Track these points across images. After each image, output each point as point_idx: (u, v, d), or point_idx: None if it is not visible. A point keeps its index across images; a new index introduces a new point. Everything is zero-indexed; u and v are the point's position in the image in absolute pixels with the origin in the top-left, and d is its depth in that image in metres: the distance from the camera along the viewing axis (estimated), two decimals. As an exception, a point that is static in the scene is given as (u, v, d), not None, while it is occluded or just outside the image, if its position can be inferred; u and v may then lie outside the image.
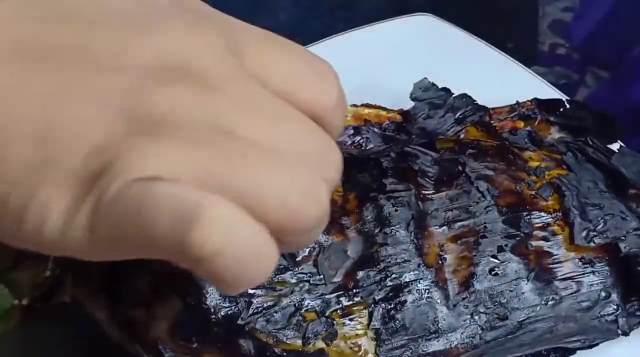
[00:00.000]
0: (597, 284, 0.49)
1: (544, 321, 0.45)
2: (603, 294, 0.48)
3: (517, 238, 0.45)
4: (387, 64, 0.71)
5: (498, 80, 0.70)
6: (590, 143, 0.55)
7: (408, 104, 0.64)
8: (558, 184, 0.48)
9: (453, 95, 0.59)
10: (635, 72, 0.79)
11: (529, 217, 0.46)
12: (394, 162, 0.49)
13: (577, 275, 0.48)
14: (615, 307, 0.48)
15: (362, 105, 0.63)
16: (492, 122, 0.63)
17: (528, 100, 0.63)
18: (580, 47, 0.85)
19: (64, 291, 0.41)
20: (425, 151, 0.51)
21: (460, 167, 0.49)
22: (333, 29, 0.74)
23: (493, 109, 0.65)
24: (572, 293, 0.46)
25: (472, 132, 0.58)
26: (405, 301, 0.44)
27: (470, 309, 0.45)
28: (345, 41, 0.72)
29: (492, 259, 0.44)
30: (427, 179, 0.48)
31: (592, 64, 0.84)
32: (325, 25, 0.78)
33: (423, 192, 0.48)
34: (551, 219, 0.47)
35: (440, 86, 0.62)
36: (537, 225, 0.46)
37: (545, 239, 0.46)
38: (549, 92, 0.68)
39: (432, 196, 0.48)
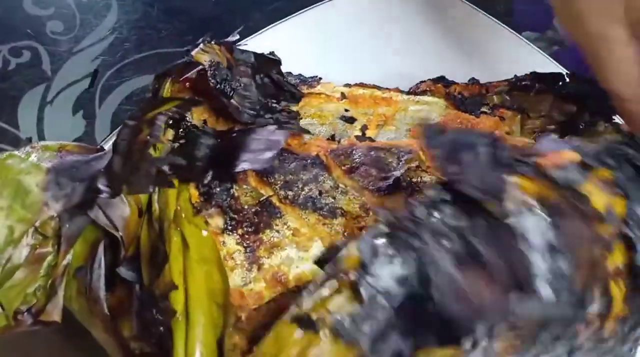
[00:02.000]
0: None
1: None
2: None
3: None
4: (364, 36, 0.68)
5: (491, 48, 0.67)
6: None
7: (399, 81, 0.62)
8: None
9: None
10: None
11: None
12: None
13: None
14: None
15: (356, 85, 0.61)
16: (489, 95, 0.61)
17: (527, 74, 0.61)
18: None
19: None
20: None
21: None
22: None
23: (491, 83, 0.63)
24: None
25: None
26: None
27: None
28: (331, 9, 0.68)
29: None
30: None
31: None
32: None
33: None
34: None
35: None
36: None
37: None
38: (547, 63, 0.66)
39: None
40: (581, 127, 0.61)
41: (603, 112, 0.61)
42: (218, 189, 0.49)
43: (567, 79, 0.61)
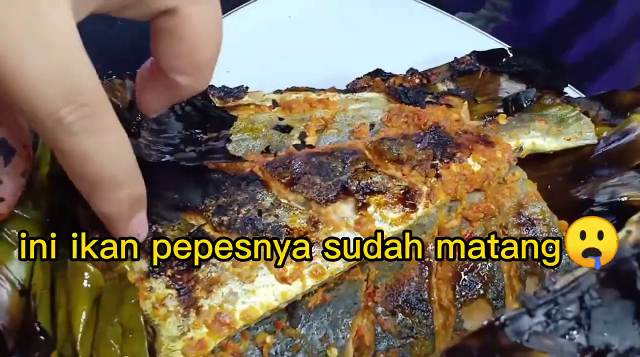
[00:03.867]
0: None
1: None
2: None
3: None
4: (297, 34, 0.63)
5: (427, 34, 0.63)
6: None
7: (335, 80, 0.56)
8: None
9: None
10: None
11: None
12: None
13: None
14: None
15: (288, 90, 0.55)
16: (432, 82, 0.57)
17: (467, 55, 0.57)
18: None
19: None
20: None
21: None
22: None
23: (431, 70, 0.58)
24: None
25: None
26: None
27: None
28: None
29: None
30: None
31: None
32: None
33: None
34: None
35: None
36: None
37: None
38: (486, 41, 0.62)
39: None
40: (525, 104, 0.57)
41: (553, 87, 0.57)
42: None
43: (511, 55, 0.57)
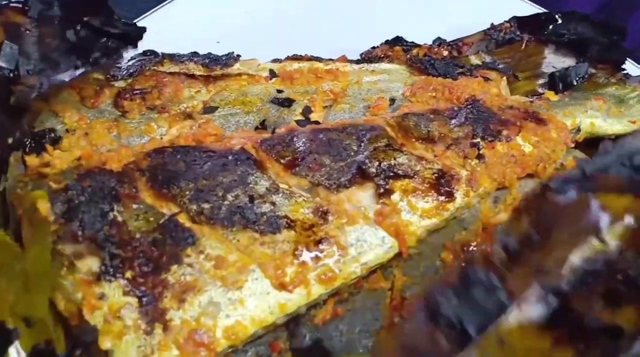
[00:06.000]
0: None
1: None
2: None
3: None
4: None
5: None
6: None
7: (343, 48, 0.47)
8: None
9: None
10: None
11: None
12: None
13: None
14: None
15: (288, 58, 0.45)
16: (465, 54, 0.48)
17: (505, 21, 0.47)
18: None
19: None
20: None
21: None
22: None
23: (461, 39, 0.49)
24: None
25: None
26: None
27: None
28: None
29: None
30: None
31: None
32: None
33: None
34: None
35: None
36: None
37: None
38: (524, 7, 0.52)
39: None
40: (576, 81, 0.47)
41: (610, 61, 0.47)
42: (86, 215, 0.31)
43: (559, 21, 0.47)
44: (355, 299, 0.33)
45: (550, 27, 0.47)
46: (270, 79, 0.45)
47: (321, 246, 0.33)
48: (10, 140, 0.37)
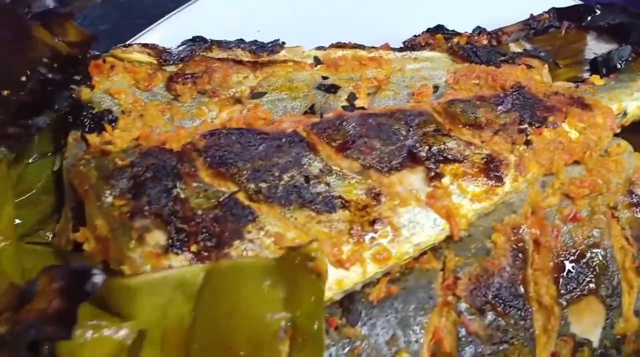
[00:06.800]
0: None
1: None
2: None
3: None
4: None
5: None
6: None
7: (385, 36, 0.48)
8: None
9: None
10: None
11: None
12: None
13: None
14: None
15: (332, 46, 0.46)
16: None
17: (545, 12, 0.48)
18: None
19: None
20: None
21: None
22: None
23: (501, 29, 0.49)
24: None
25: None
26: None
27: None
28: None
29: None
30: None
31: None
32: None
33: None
34: None
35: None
36: None
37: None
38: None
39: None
40: (620, 64, 0.48)
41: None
42: (152, 191, 0.32)
43: (598, 12, 0.48)
44: (408, 278, 0.34)
45: (589, 18, 0.48)
46: (315, 66, 0.46)
47: (375, 226, 0.33)
48: (23, 78, 0.36)
